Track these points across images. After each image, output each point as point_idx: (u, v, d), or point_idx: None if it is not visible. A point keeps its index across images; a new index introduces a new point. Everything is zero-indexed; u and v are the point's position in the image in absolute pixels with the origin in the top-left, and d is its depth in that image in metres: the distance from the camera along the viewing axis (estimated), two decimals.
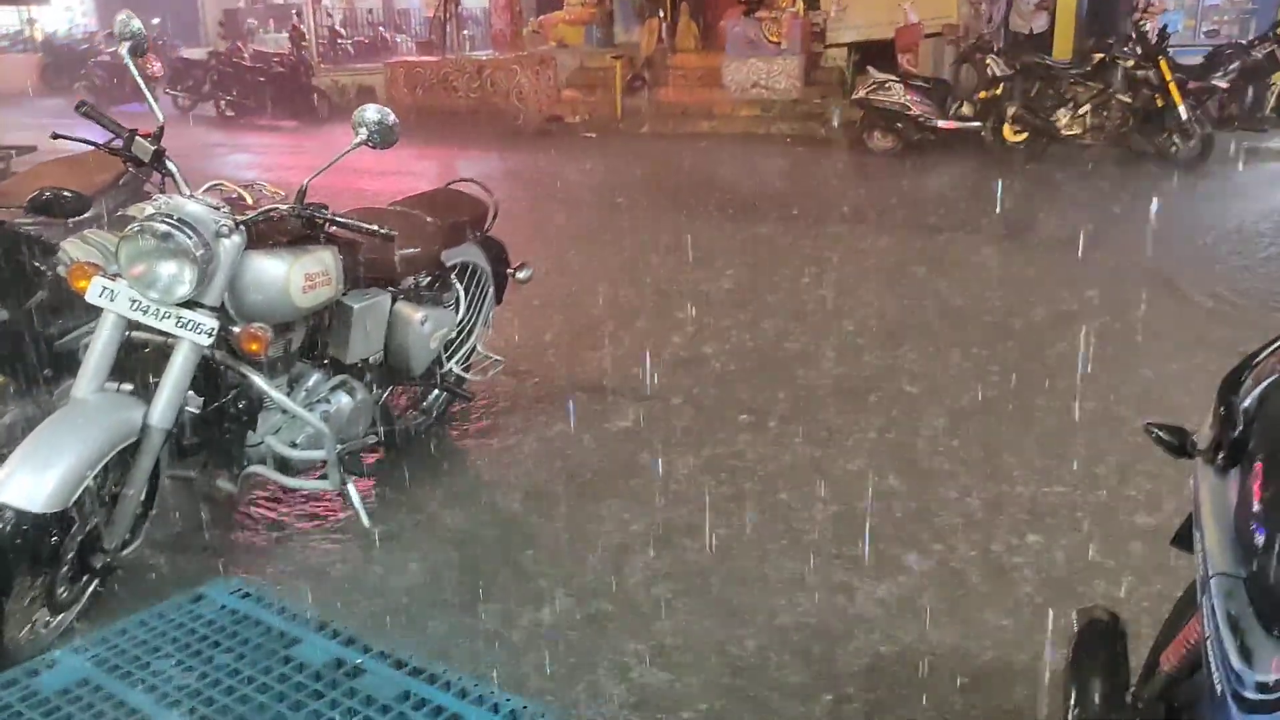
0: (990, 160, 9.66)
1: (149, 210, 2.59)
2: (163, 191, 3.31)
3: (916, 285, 5.83)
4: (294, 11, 19.13)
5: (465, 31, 16.11)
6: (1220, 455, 1.55)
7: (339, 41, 18.69)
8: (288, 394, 2.94)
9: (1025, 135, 9.73)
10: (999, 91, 9.84)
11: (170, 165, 2.77)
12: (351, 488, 3.03)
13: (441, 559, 3.04)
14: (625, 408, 4.15)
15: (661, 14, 14.43)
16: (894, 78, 10.32)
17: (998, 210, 7.73)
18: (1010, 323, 5.13)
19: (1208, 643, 1.40)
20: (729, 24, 13.11)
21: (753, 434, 3.87)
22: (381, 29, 19.54)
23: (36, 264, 3.11)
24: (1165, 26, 10.15)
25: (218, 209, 2.65)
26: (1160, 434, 1.85)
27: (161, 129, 2.81)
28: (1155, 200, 8.17)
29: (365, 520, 3.05)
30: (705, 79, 13.39)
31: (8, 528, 2.30)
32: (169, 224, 2.50)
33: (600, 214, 8.09)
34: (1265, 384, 1.59)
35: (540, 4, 16.59)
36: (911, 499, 3.33)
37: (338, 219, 2.79)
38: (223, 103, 15.33)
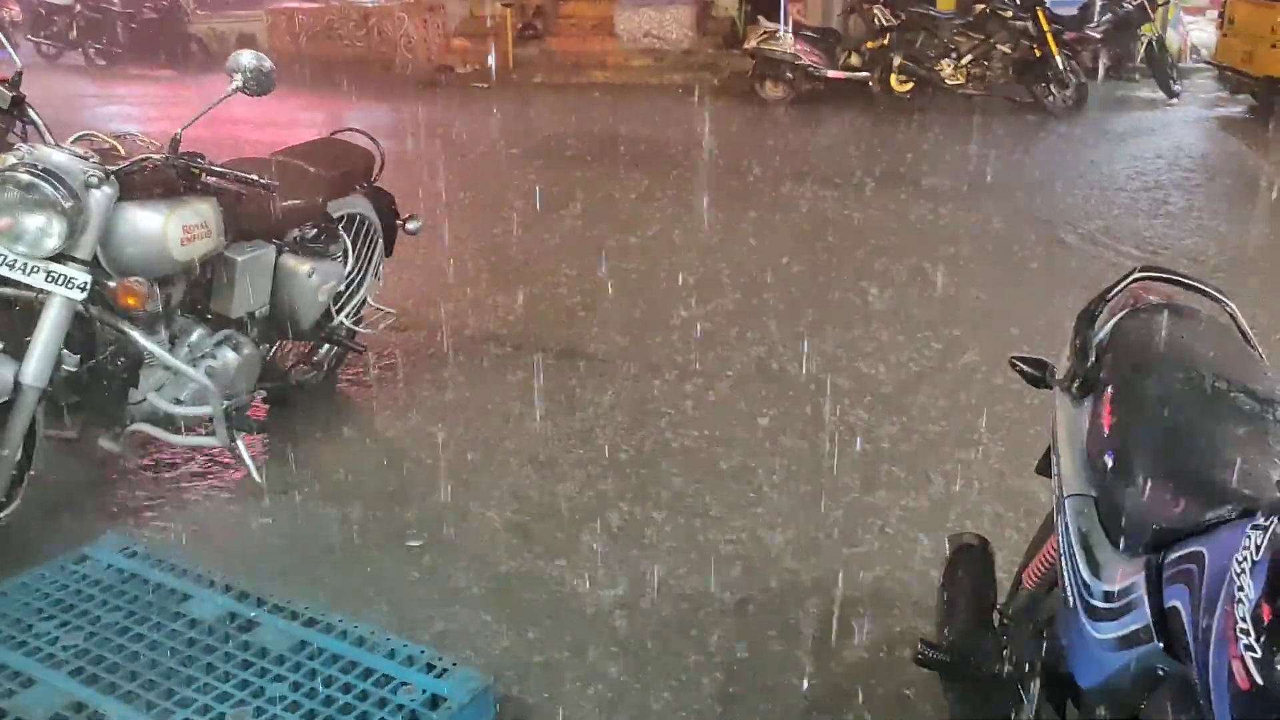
0: (878, 110, 9.86)
1: (10, 160, 2.49)
2: (24, 141, 3.16)
3: (794, 235, 5.95)
4: None
5: None
6: (1075, 385, 1.66)
7: None
8: (170, 350, 2.87)
9: (911, 85, 9.95)
10: (885, 42, 10.01)
11: (32, 113, 2.66)
12: (240, 443, 2.99)
13: (330, 512, 3.03)
14: (510, 359, 4.17)
15: None
16: (784, 28, 10.40)
17: (883, 159, 7.90)
18: (890, 267, 5.29)
19: (1062, 559, 1.51)
20: None
21: (601, 378, 3.94)
22: None
23: None
24: None
25: (86, 159, 2.56)
26: (1022, 366, 1.96)
27: (20, 74, 2.70)
28: (1033, 148, 8.49)
29: (255, 475, 3.02)
30: (598, 28, 13.27)
31: None
32: (33, 174, 2.41)
33: (491, 166, 8.00)
34: (1117, 318, 1.70)
35: None
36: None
37: (215, 169, 2.73)
38: (91, 51, 14.58)
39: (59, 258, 2.48)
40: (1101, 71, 10.35)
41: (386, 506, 3.07)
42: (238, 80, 2.71)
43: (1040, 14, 9.37)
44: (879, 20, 10.11)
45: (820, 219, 6.28)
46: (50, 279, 2.47)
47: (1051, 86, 9.42)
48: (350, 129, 3.98)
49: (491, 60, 12.04)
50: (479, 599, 2.62)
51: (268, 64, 2.74)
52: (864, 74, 10.14)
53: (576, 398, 3.81)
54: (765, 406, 3.71)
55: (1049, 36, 9.34)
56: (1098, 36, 10.07)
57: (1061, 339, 1.81)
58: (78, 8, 14.80)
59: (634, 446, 3.44)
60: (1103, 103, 9.80)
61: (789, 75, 10.42)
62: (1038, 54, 9.44)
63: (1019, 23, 9.50)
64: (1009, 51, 9.59)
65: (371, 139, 3.94)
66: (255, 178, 2.73)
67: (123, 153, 3.43)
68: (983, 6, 9.76)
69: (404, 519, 3.00)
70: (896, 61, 9.88)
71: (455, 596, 2.63)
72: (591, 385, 3.91)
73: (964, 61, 9.67)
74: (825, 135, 9.27)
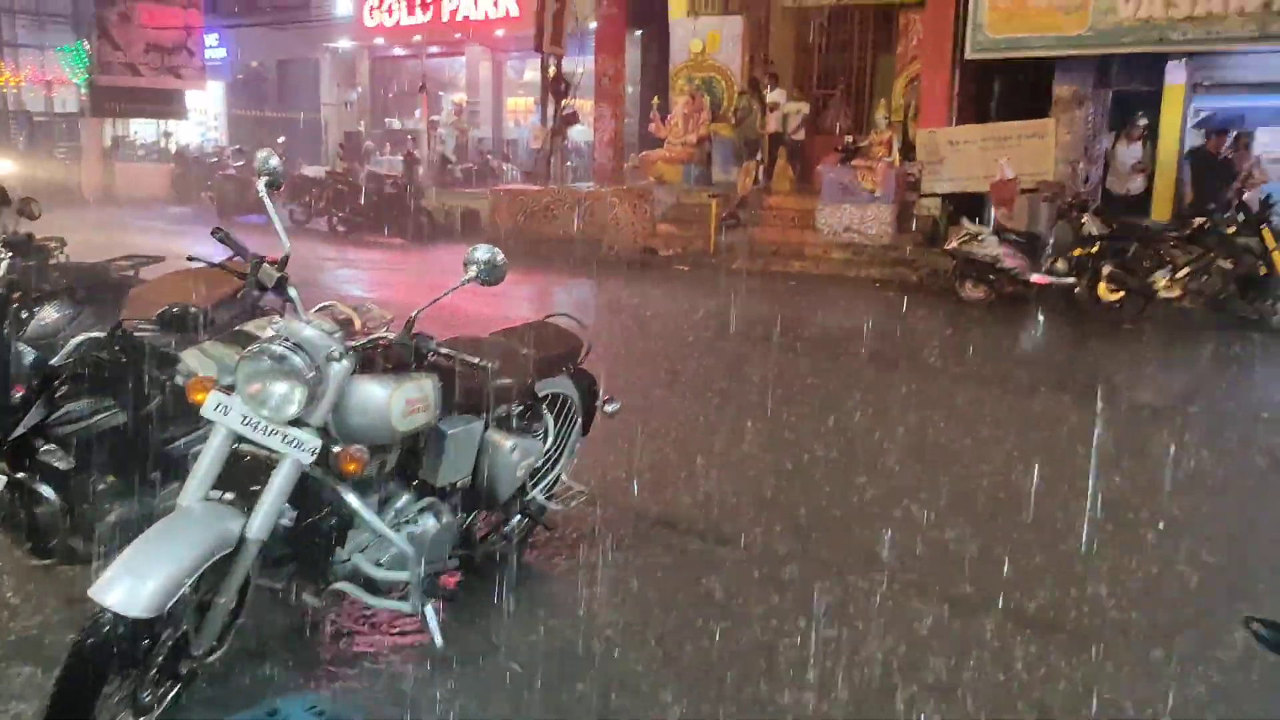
0: (1084, 317, 9.58)
1: (269, 332, 2.75)
2: (279, 312, 3.49)
3: (988, 444, 5.75)
4: (409, 137, 20.19)
5: (569, 163, 16.76)
6: None
7: (449, 166, 19.57)
8: (377, 513, 3.02)
9: (1121, 294, 9.65)
10: (1094, 250, 9.81)
11: (291, 291, 2.94)
12: (430, 610, 3.07)
13: (510, 686, 3.04)
14: (697, 549, 4.15)
15: (759, 157, 14.87)
16: (987, 230, 10.41)
17: (1091, 369, 7.63)
18: (1079, 498, 5.01)
19: None
20: (825, 169, 13.42)
21: (800, 587, 3.83)
22: (490, 157, 20.43)
23: (156, 372, 3.30)
24: (1269, 196, 10.05)
25: (331, 334, 2.79)
26: (1260, 629, 1.81)
27: (286, 258, 2.99)
28: (1258, 369, 8.00)
29: (439, 642, 3.08)
30: (799, 220, 13.65)
31: (105, 630, 2.39)
32: (286, 347, 2.64)
33: (686, 347, 8.21)
34: None
35: (642, 141, 17.22)
36: None
37: (441, 350, 2.91)
38: (335, 218, 16.11)
39: (295, 423, 2.68)
40: None
41: (562, 683, 3.06)
42: (472, 271, 2.93)
43: (1266, 232, 9.00)
44: (1089, 228, 9.96)
45: (1016, 431, 6.06)
46: (286, 442, 2.67)
47: (1278, 305, 8.94)
48: (562, 314, 4.20)
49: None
50: None
51: (500, 257, 2.95)
52: (1069, 280, 9.93)
53: (756, 601, 3.73)
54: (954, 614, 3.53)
55: (1275, 254, 8.93)
56: None
57: None
58: (329, 180, 16.50)
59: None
60: None
61: (990, 277, 10.35)
62: (1263, 271, 9.02)
63: (1242, 239, 9.14)
64: (1230, 267, 9.20)
65: (580, 323, 4.14)
66: (476, 360, 2.90)
67: (358, 324, 3.73)
68: (1202, 221, 9.46)
69: (575, 698, 2.97)
70: (1106, 270, 9.63)
71: None
72: (773, 588, 3.83)
73: (1180, 274, 9.33)
74: (1027, 341, 9.06)
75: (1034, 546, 4.22)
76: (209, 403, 2.68)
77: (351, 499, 2.86)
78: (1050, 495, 4.82)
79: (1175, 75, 12.52)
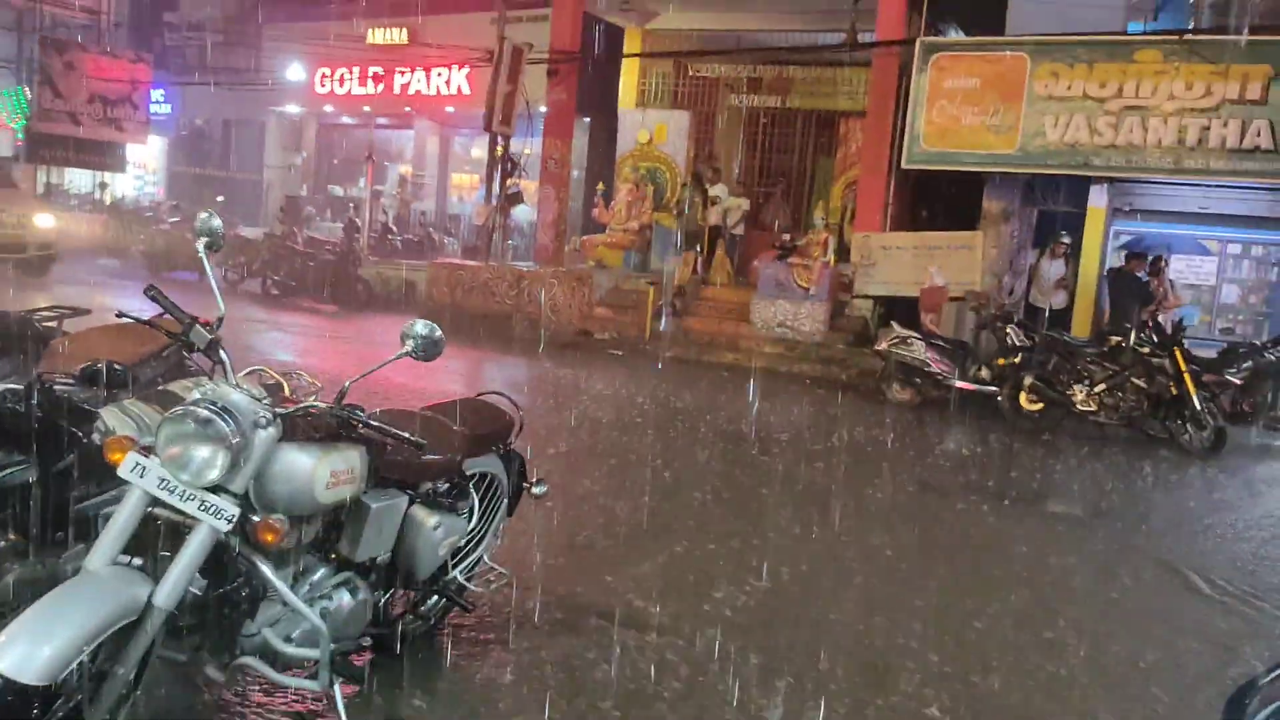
0: (1004, 425, 9.82)
1: (195, 394, 2.70)
2: (205, 373, 3.43)
3: (908, 545, 5.83)
4: (351, 205, 20.15)
5: (510, 241, 16.86)
6: None
7: (389, 237, 19.54)
8: (291, 587, 2.94)
9: (1040, 405, 9.93)
10: (1017, 360, 10.12)
11: (223, 354, 2.89)
12: (338, 690, 2.98)
13: None
14: (614, 639, 4.10)
15: (698, 248, 15.14)
16: (915, 334, 10.69)
17: (1009, 475, 7.80)
18: (1003, 593, 5.10)
19: None
20: (762, 265, 13.70)
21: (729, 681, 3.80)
22: (431, 230, 20.46)
23: (73, 428, 3.20)
24: (1181, 319, 10.52)
25: (260, 400, 2.75)
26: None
27: (221, 319, 2.96)
28: (1166, 485, 8.26)
29: None
30: (733, 313, 13.87)
31: None
32: (212, 411, 2.60)
33: (614, 431, 8.22)
34: (1270, 709, 1.60)
35: (584, 224, 17.44)
36: None
37: (371, 423, 2.89)
38: (270, 281, 15.92)
39: (214, 489, 2.62)
40: (1241, 416, 10.15)
41: None
42: (409, 345, 2.92)
43: (1178, 353, 9.38)
44: (1012, 339, 10.29)
45: (936, 537, 6.15)
46: (203, 507, 2.60)
47: (1188, 425, 9.28)
48: (495, 392, 4.19)
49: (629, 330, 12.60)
50: None
51: (438, 333, 2.95)
52: (992, 388, 10.20)
53: (678, 689, 3.69)
54: None
55: (1186, 376, 9.29)
56: (1238, 381, 9.98)
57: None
58: (266, 243, 16.35)
59: None
60: (1242, 449, 9.56)
61: (917, 380, 10.59)
62: (1174, 391, 9.36)
63: (1156, 359, 9.51)
64: (1144, 385, 9.54)
65: (513, 403, 4.13)
66: (407, 435, 2.87)
67: (287, 390, 3.68)
68: (1119, 340, 9.84)
69: None
70: (1027, 381, 9.92)
71: None
72: (691, 671, 3.80)
73: (1097, 389, 9.65)
74: (950, 444, 9.25)
75: (933, 643, 4.26)
76: (126, 463, 2.61)
77: (266, 571, 2.79)
78: (953, 591, 4.89)
79: (1098, 199, 13.12)
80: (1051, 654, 4.34)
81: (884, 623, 4.52)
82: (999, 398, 10.12)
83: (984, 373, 10.36)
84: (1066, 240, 12.52)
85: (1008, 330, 10.39)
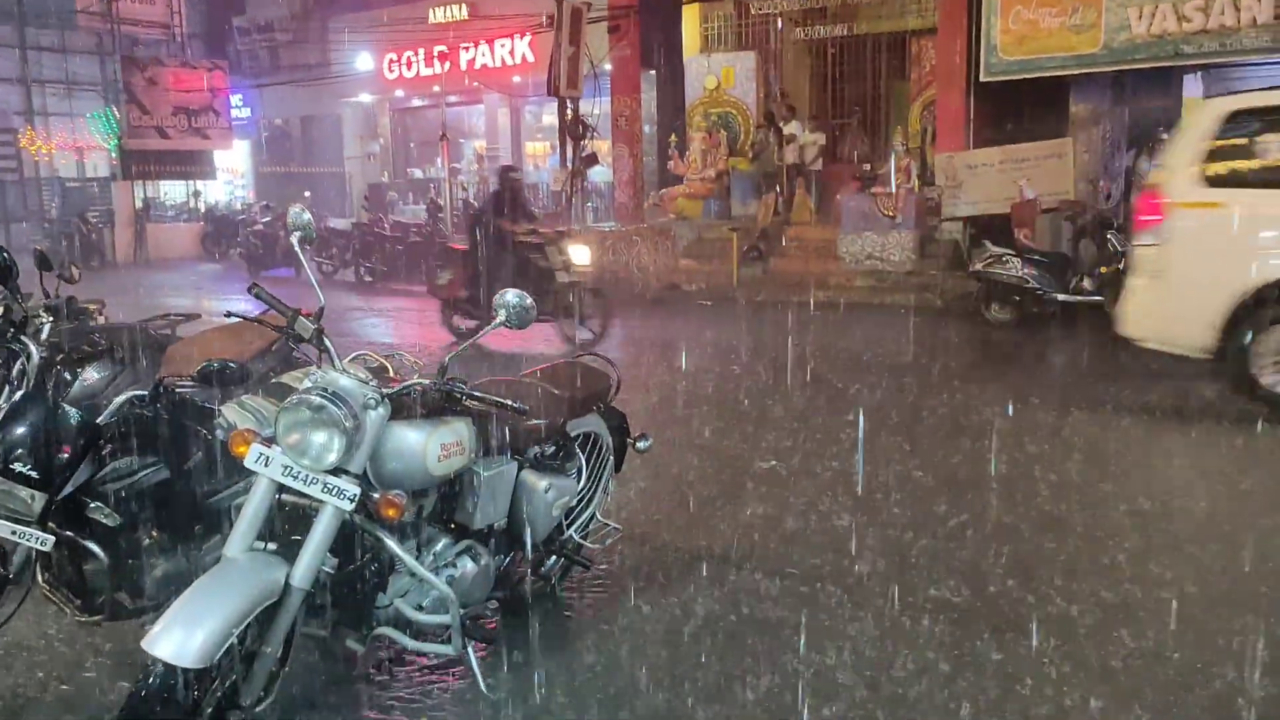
0: (1113, 334, 9.49)
1: (306, 383, 2.81)
2: (314, 363, 3.55)
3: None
4: (432, 186, 20.46)
5: (590, 204, 16.92)
6: None
7: (472, 214, 19.81)
8: (416, 557, 3.06)
9: None
10: (1121, 266, 9.76)
11: (327, 342, 3.00)
12: (471, 653, 3.09)
13: None
14: (735, 579, 4.15)
15: (778, 189, 14.96)
16: (1010, 252, 10.40)
17: (1131, 385, 7.58)
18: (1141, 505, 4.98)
19: None
20: (844, 199, 13.48)
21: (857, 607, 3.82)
22: None
23: (197, 427, 3.37)
24: None
25: (366, 383, 2.84)
26: None
27: (322, 309, 3.06)
28: None
29: (483, 686, 3.10)
30: (820, 250, 13.70)
31: (156, 681, 2.44)
32: (324, 397, 2.70)
33: (717, 380, 8.23)
34: None
35: (661, 179, 17.38)
36: None
37: (474, 394, 2.96)
38: (362, 268, 16.31)
39: (335, 471, 2.73)
40: None
41: None
42: (502, 315, 2.99)
43: None
44: (1113, 245, 9.93)
45: (1057, 453, 6.03)
46: (326, 490, 2.72)
47: None
48: (592, 353, 4.25)
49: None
50: None
51: (529, 301, 3.01)
52: (1097, 298, 9.88)
53: (808, 625, 3.73)
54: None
55: None
56: None
57: None
58: (355, 232, 16.73)
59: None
60: None
61: (1016, 298, 10.33)
62: None
63: None
64: None
65: (609, 362, 4.18)
66: (509, 402, 2.94)
67: (391, 371, 3.80)
68: None
69: None
70: None
71: None
72: (818, 608, 3.83)
73: None
74: (1060, 358, 9.01)
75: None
76: (250, 454, 2.74)
77: (392, 544, 2.90)
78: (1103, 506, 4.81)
79: (1193, 89, 12.53)
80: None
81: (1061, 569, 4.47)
82: (1105, 307, 9.79)
83: (1086, 283, 10.04)
84: (1164, 136, 11.97)
85: (1108, 236, 10.03)
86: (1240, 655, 3.41)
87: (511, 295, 2.99)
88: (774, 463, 5.80)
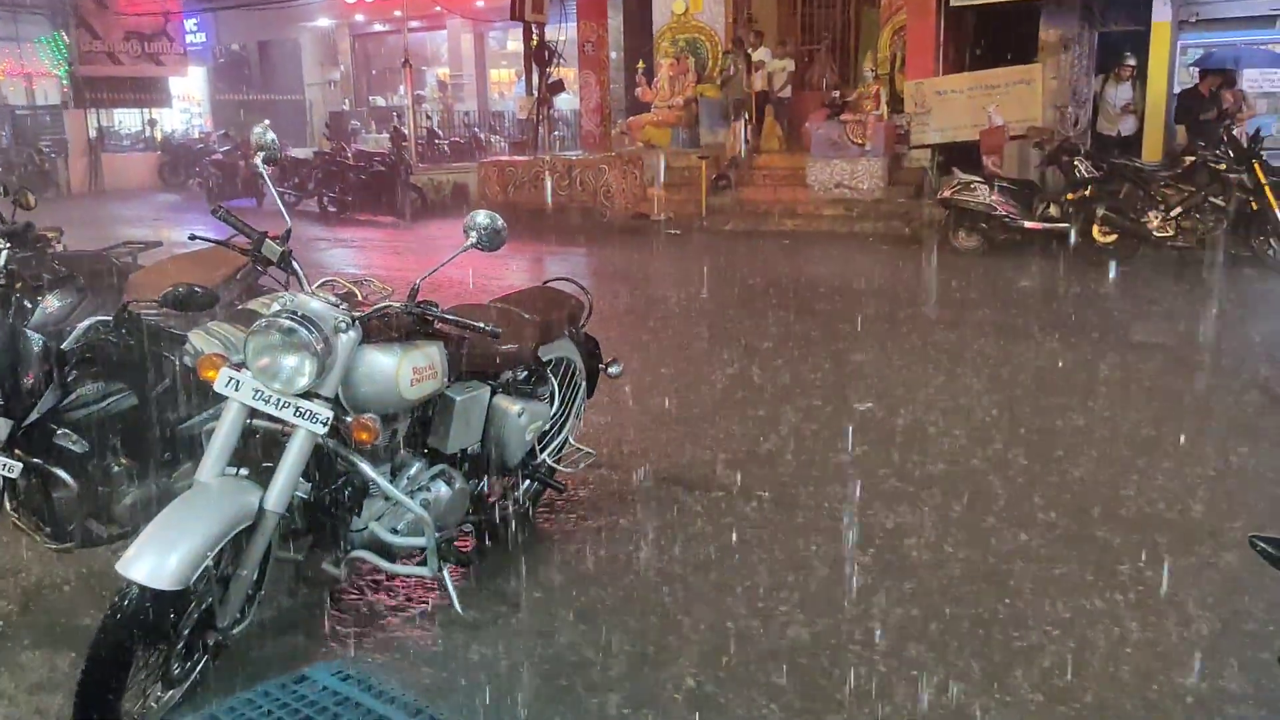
0: (1079, 261, 9.60)
1: (275, 307, 2.77)
2: (284, 287, 3.51)
3: (1008, 383, 5.81)
4: (395, 114, 20.07)
5: (556, 133, 16.68)
6: None
7: (436, 142, 19.47)
8: (391, 481, 3.06)
9: (1114, 237, 9.67)
10: (1087, 193, 9.83)
11: (295, 265, 2.96)
12: (447, 575, 3.12)
13: (528, 645, 3.10)
14: (699, 503, 4.20)
15: (746, 116, 14.80)
16: (978, 179, 10.41)
17: (1089, 310, 7.67)
18: (1091, 430, 5.08)
19: None
20: (813, 126, 13.38)
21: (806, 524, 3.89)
22: (476, 130, 20.34)
23: (164, 353, 3.33)
24: (1259, 130, 10.05)
25: (337, 306, 2.81)
26: (1265, 547, 1.86)
27: (289, 232, 3.02)
28: (1251, 304, 8.05)
29: (458, 607, 3.13)
30: (789, 179, 13.63)
31: (132, 603, 2.44)
32: (294, 320, 2.67)
33: (685, 308, 8.23)
34: None
35: (629, 107, 17.14)
36: None
37: (446, 316, 2.94)
38: (325, 199, 16.02)
39: (306, 395, 2.72)
40: None
41: (578, 641, 3.12)
42: (472, 237, 2.95)
43: (1257, 166, 9.01)
44: (1080, 171, 9.96)
45: (1027, 378, 6.11)
46: (298, 414, 2.70)
47: (1271, 240, 8.97)
48: (562, 278, 4.22)
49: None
50: None
51: (500, 223, 2.98)
52: (1063, 225, 9.94)
53: (779, 545, 3.79)
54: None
55: (1267, 189, 8.95)
56: None
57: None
58: (317, 162, 16.41)
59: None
60: None
61: (984, 225, 10.37)
62: (1254, 207, 9.04)
63: (1233, 174, 9.15)
64: (1222, 204, 9.21)
65: (581, 287, 4.17)
66: (481, 325, 2.93)
67: (360, 296, 3.75)
68: (1192, 159, 9.47)
69: (592, 656, 3.03)
70: (1099, 212, 9.65)
71: None
72: (792, 530, 3.89)
73: (1173, 213, 9.34)
74: (1024, 284, 9.09)
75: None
76: (220, 378, 2.71)
77: (365, 467, 2.90)
78: (1056, 423, 4.89)
79: (1161, 12, 12.48)
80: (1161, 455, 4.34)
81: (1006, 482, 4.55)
82: (1070, 234, 9.87)
83: (1053, 210, 10.09)
84: (1132, 62, 11.97)
85: (1075, 163, 10.05)
86: None
87: (482, 216, 2.95)
88: (741, 394, 5.84)
